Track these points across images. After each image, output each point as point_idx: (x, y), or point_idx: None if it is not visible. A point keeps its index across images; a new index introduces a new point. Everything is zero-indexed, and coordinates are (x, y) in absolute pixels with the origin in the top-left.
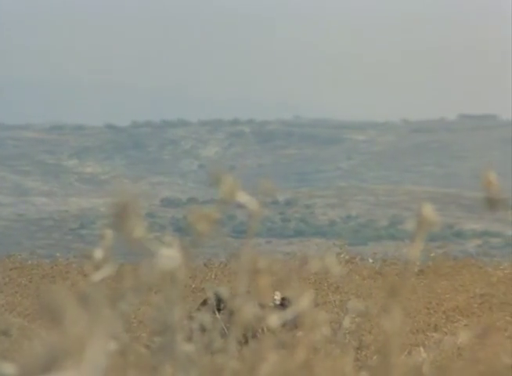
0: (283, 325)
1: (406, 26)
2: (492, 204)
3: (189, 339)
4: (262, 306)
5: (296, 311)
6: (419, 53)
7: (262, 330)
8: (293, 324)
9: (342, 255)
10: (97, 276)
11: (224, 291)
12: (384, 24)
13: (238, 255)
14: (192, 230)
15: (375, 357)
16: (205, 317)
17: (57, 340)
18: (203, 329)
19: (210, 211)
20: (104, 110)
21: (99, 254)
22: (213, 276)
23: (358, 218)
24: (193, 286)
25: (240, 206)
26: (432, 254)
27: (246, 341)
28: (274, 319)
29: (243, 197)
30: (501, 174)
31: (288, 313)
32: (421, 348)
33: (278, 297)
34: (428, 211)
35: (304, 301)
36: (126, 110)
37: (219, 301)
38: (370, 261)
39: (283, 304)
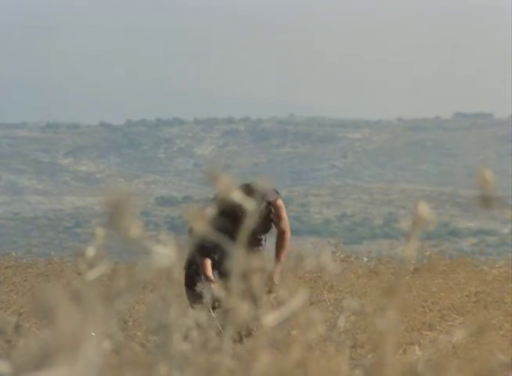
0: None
1: (403, 26)
2: (487, 202)
3: (185, 338)
4: (257, 305)
5: (290, 309)
6: (415, 53)
7: (257, 328)
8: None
9: (337, 254)
10: (91, 275)
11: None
12: (380, 24)
13: (232, 254)
14: (187, 229)
15: (370, 356)
16: (200, 315)
17: (51, 338)
18: (198, 327)
19: (206, 210)
20: (99, 109)
21: (91, 252)
22: None
23: (353, 216)
24: None
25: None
26: (427, 253)
27: (241, 340)
28: (269, 319)
29: (238, 196)
30: (496, 172)
31: (283, 312)
32: (416, 347)
33: None
34: (424, 209)
35: (298, 300)
36: (121, 109)
37: (214, 299)
38: (365, 259)
39: None
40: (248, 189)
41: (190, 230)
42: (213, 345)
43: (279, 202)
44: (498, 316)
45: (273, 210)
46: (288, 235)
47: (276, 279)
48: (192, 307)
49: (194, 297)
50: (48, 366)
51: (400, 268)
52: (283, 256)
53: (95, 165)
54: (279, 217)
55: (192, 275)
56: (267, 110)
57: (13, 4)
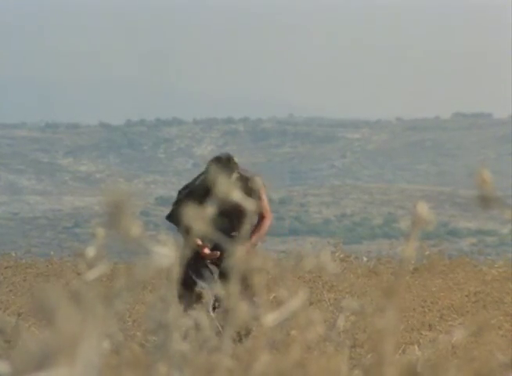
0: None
1: (402, 26)
2: (486, 202)
3: (184, 338)
4: (257, 305)
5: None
6: (413, 53)
7: (256, 328)
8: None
9: (337, 254)
10: (91, 275)
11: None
12: (380, 25)
13: (232, 253)
14: (186, 229)
15: (369, 356)
16: (200, 315)
17: (51, 338)
18: (197, 327)
19: (205, 209)
20: (98, 109)
21: (91, 252)
22: None
23: (352, 216)
24: None
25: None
26: (427, 253)
27: (241, 340)
28: (269, 319)
29: (238, 196)
30: (495, 172)
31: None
32: (415, 347)
33: None
34: (423, 209)
35: (298, 300)
36: (120, 109)
37: (215, 299)
38: (365, 259)
39: None
40: (222, 162)
41: (185, 227)
42: (212, 344)
43: (259, 180)
44: (497, 316)
45: (251, 185)
46: (267, 221)
47: (247, 244)
48: (188, 308)
49: (191, 298)
50: (48, 367)
51: (400, 268)
52: (254, 238)
53: (95, 165)
54: (259, 196)
55: (188, 273)
56: (266, 110)
57: (12, 4)
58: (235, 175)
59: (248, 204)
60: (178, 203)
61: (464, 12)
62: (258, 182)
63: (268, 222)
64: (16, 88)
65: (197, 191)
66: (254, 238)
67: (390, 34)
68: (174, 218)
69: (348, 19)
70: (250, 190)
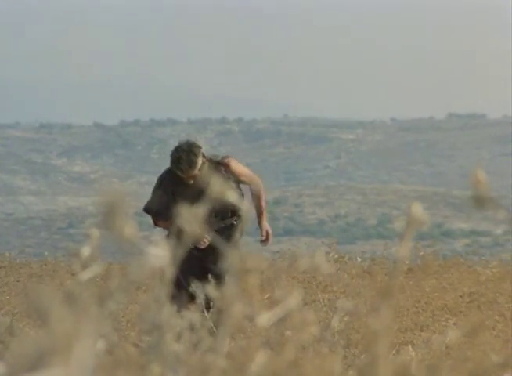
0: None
1: (401, 26)
2: (480, 203)
3: (178, 338)
4: (251, 305)
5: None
6: (408, 53)
7: (251, 328)
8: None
9: (331, 254)
10: (85, 275)
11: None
12: (377, 25)
13: (226, 254)
14: (180, 229)
15: (363, 356)
16: (194, 316)
17: (45, 339)
18: (191, 328)
19: (199, 210)
20: (92, 109)
21: (85, 252)
22: None
23: (346, 217)
24: None
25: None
26: (421, 253)
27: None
28: (264, 319)
29: (232, 196)
30: (490, 172)
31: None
32: (409, 347)
33: None
34: (417, 210)
35: (292, 300)
36: (114, 109)
37: (208, 299)
38: (359, 260)
39: None
40: (183, 149)
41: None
42: (206, 345)
43: (231, 160)
44: (491, 317)
45: (225, 169)
46: (260, 188)
47: (264, 225)
48: (181, 308)
49: (184, 298)
50: (42, 367)
51: (394, 268)
52: (262, 203)
53: (89, 166)
54: (238, 174)
55: (180, 272)
56: (260, 111)
57: (11, 3)
58: (199, 160)
59: (230, 196)
60: (152, 195)
61: (464, 12)
62: (230, 161)
63: (259, 187)
64: (10, 89)
65: (166, 182)
66: (262, 204)
67: (386, 34)
68: (149, 209)
69: (344, 19)
70: (225, 173)
